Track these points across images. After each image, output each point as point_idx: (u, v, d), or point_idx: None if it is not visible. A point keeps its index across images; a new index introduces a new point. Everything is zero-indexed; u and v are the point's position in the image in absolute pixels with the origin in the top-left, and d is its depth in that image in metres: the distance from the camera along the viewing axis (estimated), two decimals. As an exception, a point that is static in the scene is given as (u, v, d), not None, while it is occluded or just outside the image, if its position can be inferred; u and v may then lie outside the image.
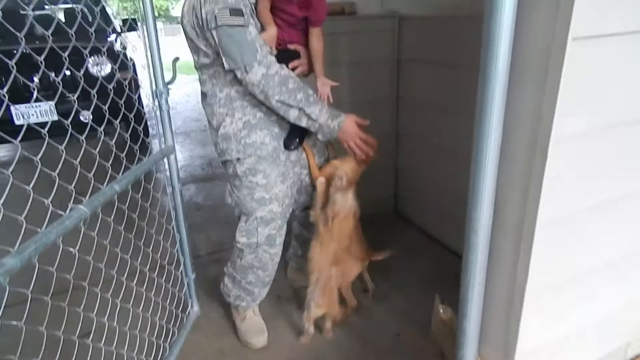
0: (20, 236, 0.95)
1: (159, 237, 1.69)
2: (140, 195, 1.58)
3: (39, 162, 1.04)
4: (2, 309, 0.86)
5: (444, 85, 2.23)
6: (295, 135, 1.60)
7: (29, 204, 0.98)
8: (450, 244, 2.43)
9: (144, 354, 1.54)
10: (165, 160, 1.65)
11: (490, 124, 1.02)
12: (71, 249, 1.15)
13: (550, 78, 0.96)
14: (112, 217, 1.39)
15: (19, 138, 1.01)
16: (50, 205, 1.05)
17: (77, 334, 1.19)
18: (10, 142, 1.12)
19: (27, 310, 0.98)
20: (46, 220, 1.02)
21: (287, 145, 1.61)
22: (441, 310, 1.54)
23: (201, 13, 1.36)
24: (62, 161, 1.13)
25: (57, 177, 1.08)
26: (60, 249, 1.09)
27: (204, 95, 1.59)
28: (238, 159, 1.58)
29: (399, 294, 2.07)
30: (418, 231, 2.69)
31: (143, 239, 1.60)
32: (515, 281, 1.17)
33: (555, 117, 0.97)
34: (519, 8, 0.94)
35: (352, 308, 1.85)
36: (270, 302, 1.96)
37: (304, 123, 1.49)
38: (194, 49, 1.48)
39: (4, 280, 0.86)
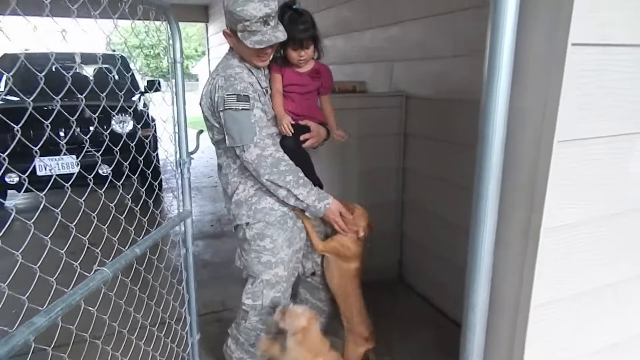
0: (50, 295, 1.03)
1: (169, 296, 1.76)
2: (156, 256, 1.67)
3: (59, 213, 1.11)
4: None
5: (447, 160, 2.37)
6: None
7: (61, 264, 1.07)
8: (451, 313, 2.46)
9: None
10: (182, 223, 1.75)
11: (485, 210, 1.12)
12: (90, 308, 1.22)
13: (539, 175, 1.06)
14: (130, 277, 1.46)
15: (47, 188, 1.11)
16: (79, 267, 1.14)
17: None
18: (31, 191, 1.21)
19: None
20: (74, 280, 1.10)
21: None
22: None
23: (215, 97, 1.56)
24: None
25: (87, 241, 1.17)
26: (82, 308, 1.16)
27: (219, 166, 1.73)
28: (247, 224, 1.68)
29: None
30: (420, 299, 2.71)
31: (155, 299, 1.68)
32: (512, 362, 1.20)
33: (545, 209, 1.06)
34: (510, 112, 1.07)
35: None
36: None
37: (292, 202, 1.61)
38: (210, 127, 1.67)
39: (32, 339, 0.93)
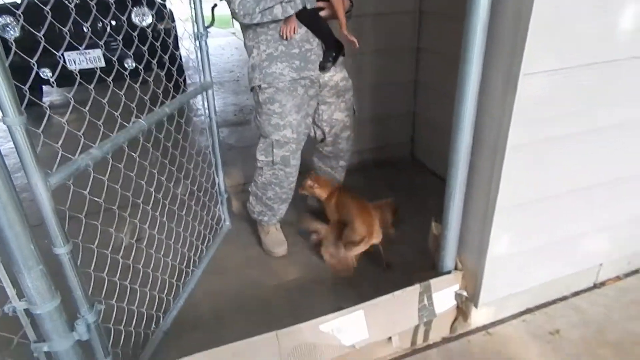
0: (99, 139, 1.25)
1: (195, 172, 2.04)
2: (182, 135, 1.89)
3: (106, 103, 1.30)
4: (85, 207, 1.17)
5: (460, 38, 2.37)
6: (328, 58, 1.84)
7: (103, 115, 1.29)
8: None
9: (186, 249, 1.91)
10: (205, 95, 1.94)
11: (472, 61, 1.23)
12: (136, 177, 1.46)
13: (522, 23, 1.14)
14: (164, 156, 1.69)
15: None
16: (119, 117, 1.35)
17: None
18: (64, 86, 1.29)
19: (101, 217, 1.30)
20: (115, 129, 1.32)
21: (322, 67, 1.85)
22: (434, 228, 1.79)
23: None
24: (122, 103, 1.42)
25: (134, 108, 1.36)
26: (134, 180, 1.40)
27: (242, 34, 1.85)
28: (260, 87, 1.83)
29: (406, 224, 2.32)
30: (431, 175, 2.91)
31: (192, 163, 1.98)
32: (489, 197, 1.40)
33: (525, 56, 1.16)
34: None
35: None
36: (291, 224, 2.28)
37: (289, 11, 1.66)
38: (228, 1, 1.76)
39: (91, 165, 1.17)
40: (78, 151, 1.15)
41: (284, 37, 1.72)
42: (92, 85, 1.26)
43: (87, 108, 1.21)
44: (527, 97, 1.23)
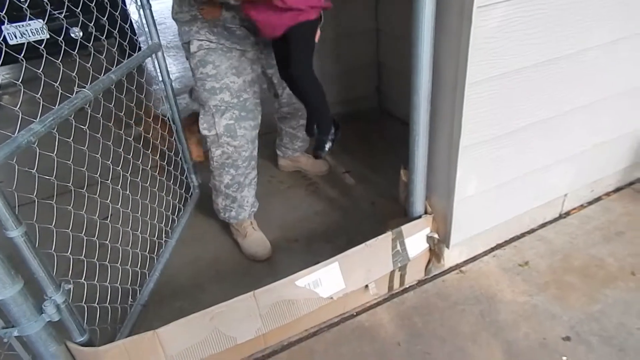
0: (40, 111, 1.18)
1: (157, 126, 1.95)
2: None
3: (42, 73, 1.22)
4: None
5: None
6: (322, 145, 1.71)
7: (41, 87, 1.20)
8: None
9: (156, 220, 1.88)
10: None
11: (424, -2, 1.19)
12: (95, 155, 1.39)
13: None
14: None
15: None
16: (59, 87, 1.26)
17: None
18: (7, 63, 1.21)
19: (54, 198, 1.24)
20: (57, 101, 1.24)
21: (317, 155, 1.74)
22: (403, 175, 1.79)
23: None
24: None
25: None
26: (87, 156, 1.32)
27: None
28: (189, 50, 1.60)
29: (377, 175, 2.34)
30: (400, 124, 2.89)
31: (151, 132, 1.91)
32: (452, 137, 1.39)
33: (477, -15, 1.12)
34: None
35: None
36: (264, 184, 2.25)
37: None
38: None
39: (34, 142, 1.10)
40: (17, 129, 1.07)
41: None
42: (25, 58, 1.18)
43: (20, 80, 1.12)
44: (482, 31, 1.20)
